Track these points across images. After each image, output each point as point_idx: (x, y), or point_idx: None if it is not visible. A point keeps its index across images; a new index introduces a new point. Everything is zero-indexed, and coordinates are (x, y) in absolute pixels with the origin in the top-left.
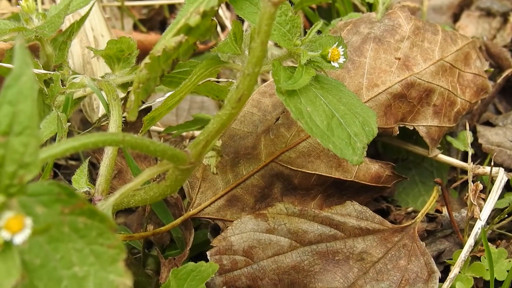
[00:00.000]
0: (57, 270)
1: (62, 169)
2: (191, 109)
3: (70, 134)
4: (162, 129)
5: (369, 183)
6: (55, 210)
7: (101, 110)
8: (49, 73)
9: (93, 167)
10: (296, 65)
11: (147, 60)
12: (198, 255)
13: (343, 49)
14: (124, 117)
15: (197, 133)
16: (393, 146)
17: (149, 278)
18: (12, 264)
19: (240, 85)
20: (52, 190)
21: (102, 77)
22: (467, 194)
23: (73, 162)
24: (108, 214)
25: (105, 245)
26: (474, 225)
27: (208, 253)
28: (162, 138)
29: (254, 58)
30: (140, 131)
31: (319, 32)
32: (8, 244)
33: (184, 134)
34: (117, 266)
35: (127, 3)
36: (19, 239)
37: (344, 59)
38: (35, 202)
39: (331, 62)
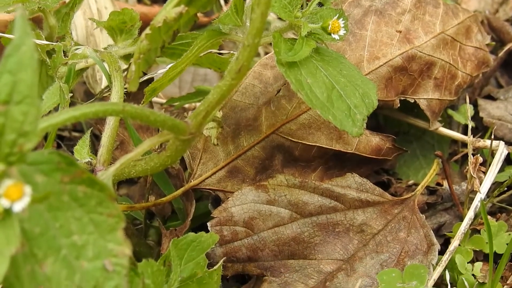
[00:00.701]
0: (56, 238)
1: (65, 141)
2: (194, 82)
3: (73, 105)
4: (164, 100)
5: (369, 156)
6: (55, 178)
7: (104, 82)
8: (52, 44)
9: (96, 139)
10: (296, 37)
11: (147, 31)
12: (199, 226)
13: (343, 22)
14: (126, 88)
15: (199, 105)
16: (394, 119)
17: (151, 248)
18: (11, 232)
19: (240, 56)
20: (52, 159)
21: (105, 48)
22: (467, 167)
23: (76, 134)
24: (107, 184)
25: (105, 214)
26: (474, 198)
27: (208, 223)
28: (164, 110)
29: (254, 29)
30: (142, 102)
31: (320, 4)
32: (7, 212)
33: (186, 106)
34: (116, 235)
35: None
36: (18, 207)
37: (345, 31)
38: (35, 171)
39: (332, 34)
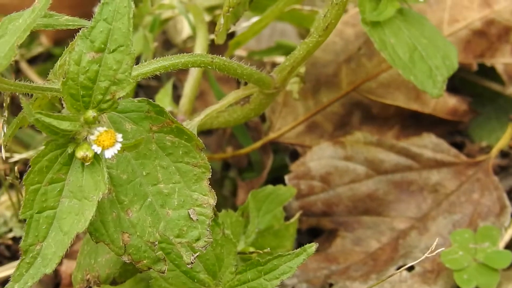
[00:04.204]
0: (142, 186)
1: (143, 89)
2: (272, 36)
3: None
4: (242, 54)
5: (445, 117)
6: (144, 127)
7: (184, 33)
8: None
9: (173, 88)
10: None
11: None
12: (274, 178)
13: None
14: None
15: (278, 59)
16: (470, 82)
17: (225, 199)
18: (100, 177)
19: (328, 14)
20: (141, 107)
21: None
22: None
23: (154, 83)
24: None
25: (191, 163)
26: None
27: (286, 177)
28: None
29: None
30: (224, 54)
31: None
32: (97, 158)
33: (265, 60)
34: (202, 184)
35: None
36: (109, 153)
37: None
38: (124, 119)
39: None
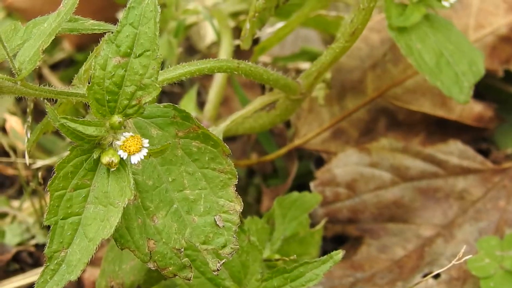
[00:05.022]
0: (168, 192)
1: (167, 95)
2: (295, 42)
3: None
4: (266, 60)
5: (471, 123)
6: (170, 132)
7: (208, 38)
8: None
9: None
10: (405, 3)
11: None
12: (299, 185)
13: None
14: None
15: (302, 65)
16: (496, 88)
17: (250, 206)
18: (126, 183)
19: (355, 19)
20: (167, 113)
21: (213, 5)
22: None
23: (177, 90)
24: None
25: (217, 169)
26: None
27: (311, 184)
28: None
29: None
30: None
31: None
32: (122, 164)
33: (289, 66)
34: (228, 191)
35: None
36: (135, 159)
37: None
38: (150, 124)
39: (442, 1)
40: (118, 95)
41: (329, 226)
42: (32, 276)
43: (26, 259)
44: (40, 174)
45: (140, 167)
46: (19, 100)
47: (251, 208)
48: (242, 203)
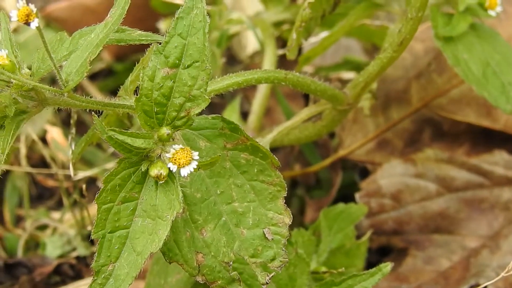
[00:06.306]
0: (217, 204)
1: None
2: (337, 52)
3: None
4: (308, 69)
5: None
6: (218, 144)
7: (249, 48)
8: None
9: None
10: (451, 13)
11: None
12: (343, 196)
13: None
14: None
15: (344, 75)
16: None
17: (293, 217)
18: (174, 196)
19: (403, 29)
20: (215, 124)
21: (255, 15)
22: None
23: (217, 100)
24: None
25: (266, 182)
26: None
27: (357, 195)
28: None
29: (418, 3)
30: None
31: None
32: (171, 176)
33: (331, 76)
34: (277, 203)
35: None
36: (185, 171)
37: (501, 8)
38: (198, 136)
39: (488, 10)
40: (166, 106)
41: (374, 238)
42: None
43: (68, 271)
44: (83, 186)
45: (188, 180)
46: (58, 110)
47: (295, 220)
48: (291, 215)
